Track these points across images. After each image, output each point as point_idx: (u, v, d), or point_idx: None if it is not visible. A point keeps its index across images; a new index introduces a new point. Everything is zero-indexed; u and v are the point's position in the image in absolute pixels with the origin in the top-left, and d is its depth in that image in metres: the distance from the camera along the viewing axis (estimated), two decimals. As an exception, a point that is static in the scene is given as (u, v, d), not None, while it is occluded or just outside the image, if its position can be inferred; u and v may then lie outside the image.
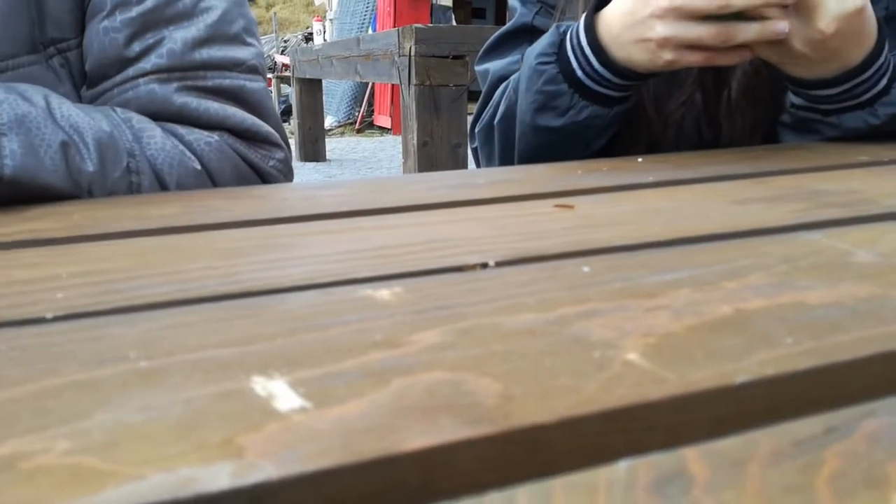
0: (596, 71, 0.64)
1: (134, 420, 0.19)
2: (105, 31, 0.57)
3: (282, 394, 0.20)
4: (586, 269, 0.32)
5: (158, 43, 0.57)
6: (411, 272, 0.32)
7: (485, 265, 0.33)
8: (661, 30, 0.59)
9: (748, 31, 0.57)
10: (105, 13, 0.57)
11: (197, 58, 0.58)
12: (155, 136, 0.56)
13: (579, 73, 0.64)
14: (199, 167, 0.58)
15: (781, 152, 0.65)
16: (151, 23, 0.57)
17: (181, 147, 0.57)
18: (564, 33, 0.65)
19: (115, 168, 0.52)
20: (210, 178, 0.59)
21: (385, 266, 0.33)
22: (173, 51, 0.57)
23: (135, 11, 0.57)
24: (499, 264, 0.33)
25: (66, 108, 0.52)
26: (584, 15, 0.65)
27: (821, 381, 0.21)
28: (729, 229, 0.38)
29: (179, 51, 0.58)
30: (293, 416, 0.19)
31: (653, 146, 0.73)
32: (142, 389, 0.21)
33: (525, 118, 0.68)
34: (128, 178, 0.53)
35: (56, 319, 0.27)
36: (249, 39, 0.63)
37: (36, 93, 0.51)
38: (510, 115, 0.71)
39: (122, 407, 0.20)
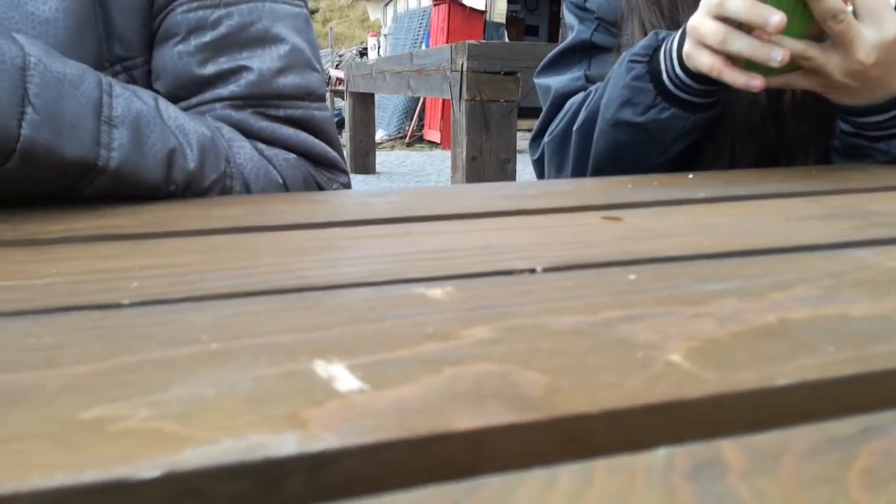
0: (678, 75, 0.65)
1: (207, 393, 0.21)
2: (179, 56, 0.59)
3: (341, 376, 0.22)
4: (632, 276, 0.33)
5: (234, 71, 0.59)
6: (462, 274, 0.33)
7: (532, 270, 0.34)
8: (691, 20, 0.61)
9: (740, 42, 0.58)
10: (179, 38, 0.59)
11: (273, 88, 0.60)
12: (244, 146, 0.59)
13: (664, 75, 0.66)
14: (280, 181, 0.60)
15: (835, 172, 0.64)
16: (225, 47, 0.59)
17: (265, 160, 0.60)
18: (663, 39, 0.67)
19: (213, 170, 0.55)
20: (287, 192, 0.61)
21: (436, 268, 0.35)
22: (251, 81, 0.59)
23: (209, 37, 0.59)
24: (546, 270, 0.34)
25: (173, 110, 0.54)
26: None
27: (860, 387, 0.21)
28: (779, 245, 0.38)
29: (256, 81, 0.59)
30: (352, 395, 0.20)
31: (733, 162, 0.73)
32: (213, 368, 0.23)
33: (607, 113, 0.70)
34: (223, 182, 0.56)
35: (132, 305, 0.30)
36: (317, 65, 0.65)
37: (145, 93, 0.54)
38: (591, 119, 0.73)
39: (196, 382, 0.22)
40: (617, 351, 0.24)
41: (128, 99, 0.50)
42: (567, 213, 0.49)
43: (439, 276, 0.33)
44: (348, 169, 0.69)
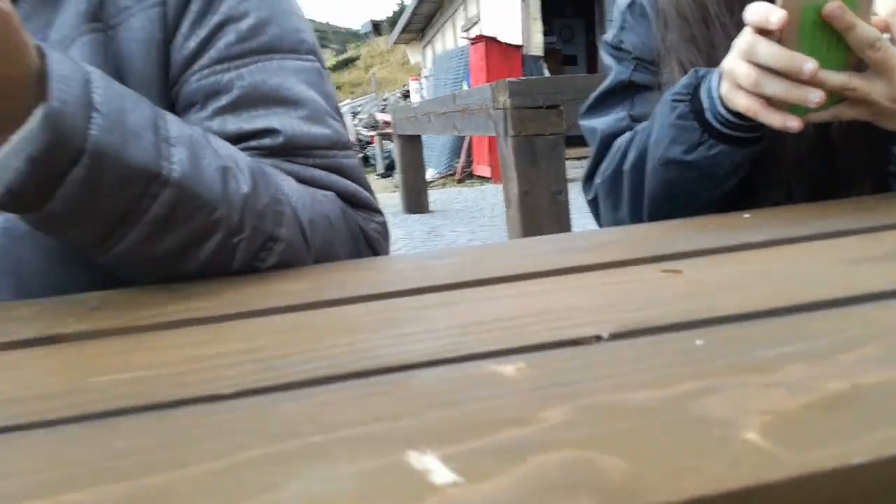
0: (720, 113, 0.66)
1: (319, 490, 0.23)
2: (200, 122, 0.62)
3: (436, 468, 0.23)
4: (699, 342, 0.34)
5: (258, 133, 0.62)
6: (529, 346, 0.35)
7: (598, 338, 0.35)
8: (725, 62, 0.62)
9: (774, 85, 0.58)
10: (199, 106, 0.62)
11: (300, 142, 0.63)
12: (288, 178, 0.61)
13: (707, 113, 0.67)
14: (325, 212, 0.62)
15: (893, 202, 0.63)
16: (242, 107, 0.62)
17: (308, 193, 0.62)
18: (703, 77, 0.69)
19: (265, 194, 0.57)
20: (331, 225, 0.63)
21: (502, 339, 0.36)
22: (276, 138, 0.62)
23: (225, 100, 0.62)
24: (612, 337, 0.35)
25: (221, 142, 0.57)
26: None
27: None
28: (840, 294, 0.39)
29: (282, 141, 0.62)
30: (448, 489, 0.22)
31: (790, 193, 0.73)
32: (320, 462, 0.25)
33: (656, 153, 0.71)
34: (275, 207, 0.57)
35: (232, 396, 0.32)
36: (336, 115, 0.68)
37: (193, 125, 0.57)
38: (641, 158, 0.74)
39: (308, 479, 0.24)
40: (693, 430, 0.25)
41: (181, 124, 0.54)
42: (624, 266, 0.50)
43: (507, 349, 0.35)
44: (381, 209, 0.71)
